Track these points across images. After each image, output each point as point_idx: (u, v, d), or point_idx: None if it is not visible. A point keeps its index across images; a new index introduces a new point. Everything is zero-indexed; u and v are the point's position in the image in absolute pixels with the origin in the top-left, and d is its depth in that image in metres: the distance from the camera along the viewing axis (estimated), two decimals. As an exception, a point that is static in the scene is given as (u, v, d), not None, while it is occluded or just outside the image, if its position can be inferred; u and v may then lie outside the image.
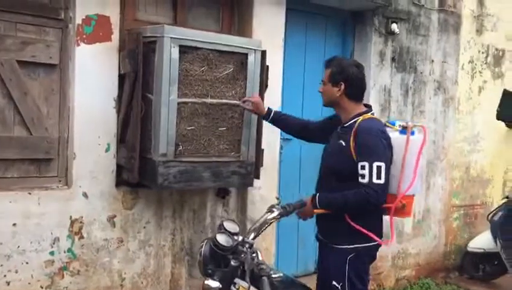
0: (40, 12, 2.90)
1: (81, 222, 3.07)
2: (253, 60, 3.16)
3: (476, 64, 5.44)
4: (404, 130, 2.56)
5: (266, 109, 3.12)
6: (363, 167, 2.42)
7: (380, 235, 2.60)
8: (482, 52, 5.50)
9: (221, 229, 2.30)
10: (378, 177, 2.40)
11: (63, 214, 3.01)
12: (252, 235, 2.34)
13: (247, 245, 2.27)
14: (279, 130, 3.86)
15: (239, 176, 3.21)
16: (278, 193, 3.98)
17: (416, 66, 4.85)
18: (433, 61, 4.98)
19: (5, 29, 2.80)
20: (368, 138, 2.45)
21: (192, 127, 3.00)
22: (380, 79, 4.56)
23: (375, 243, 2.57)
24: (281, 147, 4.08)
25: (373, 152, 2.43)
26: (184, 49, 2.90)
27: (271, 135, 3.75)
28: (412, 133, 2.54)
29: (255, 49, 3.17)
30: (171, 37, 2.82)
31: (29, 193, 2.89)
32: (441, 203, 5.25)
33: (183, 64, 2.90)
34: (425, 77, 4.94)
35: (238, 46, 3.10)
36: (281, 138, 3.95)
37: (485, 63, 5.55)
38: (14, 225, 2.84)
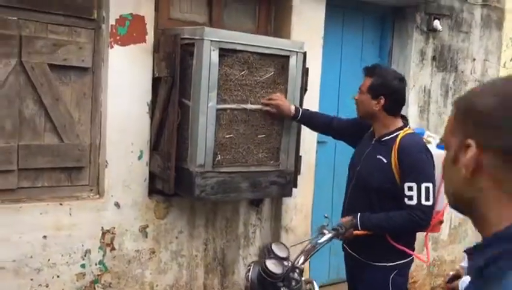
0: (71, 12, 2.73)
1: (112, 233, 2.93)
2: (294, 63, 2.97)
3: (517, 62, 5.16)
4: (442, 145, 2.41)
5: (293, 109, 2.92)
6: (410, 188, 2.27)
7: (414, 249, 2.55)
8: (525, 50, 5.21)
9: (270, 253, 2.13)
10: (427, 199, 2.29)
11: (95, 225, 2.87)
12: (302, 260, 2.17)
13: (297, 271, 2.10)
14: (316, 133, 3.70)
15: (278, 186, 3.03)
16: (313, 199, 3.80)
17: (457, 65, 4.59)
18: (474, 59, 4.72)
19: (35, 30, 2.64)
20: (413, 157, 2.30)
21: (231, 135, 2.83)
22: (419, 79, 4.32)
23: (413, 257, 2.51)
24: (315, 151, 3.89)
25: (421, 172, 2.29)
26: (223, 52, 2.71)
27: (308, 139, 3.57)
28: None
29: (297, 52, 2.97)
30: (211, 40, 2.63)
31: (61, 204, 2.75)
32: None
33: (223, 68, 2.72)
34: (466, 77, 4.69)
35: (280, 49, 2.90)
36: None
37: (527, 61, 5.26)
38: (45, 237, 2.71)
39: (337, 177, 4.20)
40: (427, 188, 2.26)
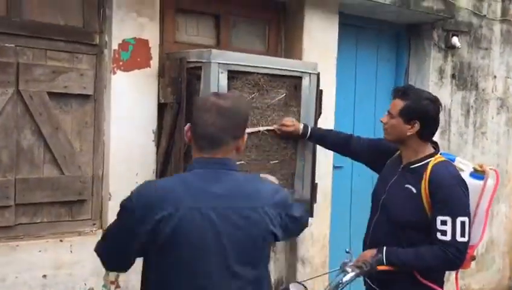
0: (72, 37, 2.60)
1: (117, 270, 2.73)
2: (307, 84, 2.80)
3: (540, 78, 4.94)
4: (477, 174, 2.21)
5: (301, 127, 2.78)
6: (444, 223, 2.04)
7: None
8: (546, 65, 4.99)
9: (288, 295, 1.92)
10: (463, 235, 2.06)
11: (98, 263, 2.63)
12: (323, 302, 1.96)
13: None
14: (332, 158, 3.50)
15: (293, 216, 2.83)
16: (329, 228, 3.58)
17: (477, 83, 4.39)
18: (495, 76, 4.52)
19: (34, 57, 2.51)
20: (448, 189, 2.08)
21: (242, 162, 2.64)
22: (439, 98, 4.11)
23: None
24: (331, 177, 3.68)
25: (456, 205, 2.07)
26: (232, 74, 2.56)
27: (323, 163, 3.37)
28: (482, 177, 2.18)
29: (310, 73, 2.81)
30: (218, 63, 2.47)
31: (61, 240, 2.57)
32: (505, 233, 4.75)
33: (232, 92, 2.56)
34: (488, 95, 4.48)
35: (292, 70, 2.74)
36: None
37: (550, 77, 5.03)
38: (44, 276, 2.52)
39: (355, 203, 3.98)
40: (463, 223, 2.04)
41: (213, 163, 1.53)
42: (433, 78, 4.06)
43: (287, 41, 3.43)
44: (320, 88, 3.06)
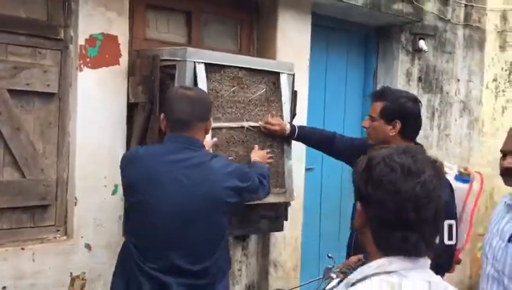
0: (35, 31, 2.43)
1: (83, 279, 2.58)
2: (285, 81, 2.74)
3: (499, 82, 5.11)
4: (462, 177, 2.21)
5: (288, 127, 2.71)
6: None
7: None
8: (505, 70, 5.16)
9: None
10: (450, 238, 2.07)
11: (62, 271, 2.53)
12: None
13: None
14: (305, 160, 3.46)
15: (268, 219, 2.76)
16: (302, 230, 3.54)
17: (442, 86, 4.48)
18: (458, 80, 4.62)
19: (-7, 52, 2.32)
20: None
21: (231, 158, 2.53)
22: (406, 101, 4.16)
23: None
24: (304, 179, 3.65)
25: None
26: (209, 68, 2.45)
27: (295, 165, 3.31)
28: (467, 181, 2.19)
29: (286, 73, 2.75)
30: (194, 62, 2.37)
31: (22, 249, 2.40)
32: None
33: (212, 83, 2.47)
34: (451, 98, 4.58)
35: (268, 71, 2.68)
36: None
37: (508, 81, 5.21)
38: (4, 288, 2.34)
39: (324, 204, 3.97)
40: (450, 226, 2.04)
41: (181, 139, 1.97)
42: (401, 80, 4.10)
43: (260, 41, 3.36)
44: (295, 89, 3.01)
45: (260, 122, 2.67)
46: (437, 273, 2.12)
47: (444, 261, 2.04)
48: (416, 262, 1.07)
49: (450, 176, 2.18)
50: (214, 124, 2.42)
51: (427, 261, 1.11)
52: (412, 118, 2.21)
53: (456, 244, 2.08)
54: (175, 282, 1.94)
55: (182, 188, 1.92)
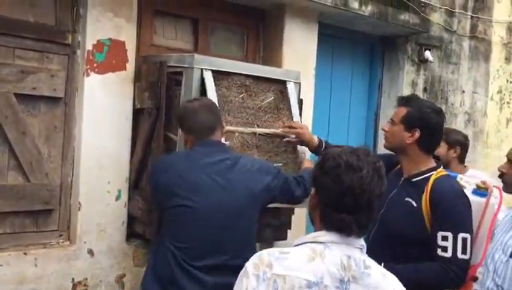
0: (43, 35, 2.44)
1: (85, 285, 2.57)
2: (293, 89, 2.72)
3: (504, 94, 5.10)
4: (480, 191, 2.16)
5: (316, 139, 2.61)
6: (444, 238, 1.97)
7: None
8: (510, 82, 5.15)
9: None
10: (464, 252, 1.98)
11: (64, 277, 2.51)
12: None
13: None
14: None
15: (272, 228, 2.74)
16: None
17: (447, 97, 4.47)
18: (463, 91, 4.61)
19: (0, 56, 2.32)
20: (450, 203, 2.01)
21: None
22: (411, 111, 4.16)
23: None
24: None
25: (458, 221, 2.00)
26: (217, 75, 2.44)
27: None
28: (485, 195, 2.15)
29: (293, 81, 2.74)
30: (202, 68, 2.37)
31: (25, 253, 2.39)
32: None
33: (220, 89, 2.43)
34: (456, 109, 4.57)
35: (275, 79, 2.67)
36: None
37: (513, 93, 5.21)
38: (5, 293, 2.33)
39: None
40: (465, 240, 1.97)
41: (210, 142, 2.11)
42: (406, 91, 4.09)
43: (266, 49, 3.36)
44: (301, 97, 3.01)
45: (280, 129, 2.61)
46: (449, 287, 2.07)
47: (455, 275, 1.98)
48: (345, 239, 1.30)
49: (468, 190, 2.13)
50: (227, 127, 2.41)
51: (358, 241, 1.33)
52: (433, 129, 2.16)
53: (470, 259, 2.03)
54: (220, 282, 1.99)
55: (221, 189, 2.02)
